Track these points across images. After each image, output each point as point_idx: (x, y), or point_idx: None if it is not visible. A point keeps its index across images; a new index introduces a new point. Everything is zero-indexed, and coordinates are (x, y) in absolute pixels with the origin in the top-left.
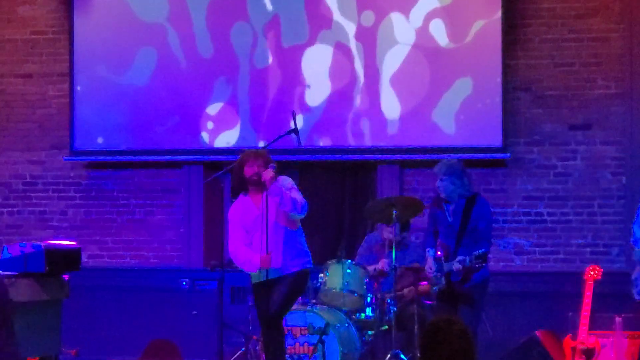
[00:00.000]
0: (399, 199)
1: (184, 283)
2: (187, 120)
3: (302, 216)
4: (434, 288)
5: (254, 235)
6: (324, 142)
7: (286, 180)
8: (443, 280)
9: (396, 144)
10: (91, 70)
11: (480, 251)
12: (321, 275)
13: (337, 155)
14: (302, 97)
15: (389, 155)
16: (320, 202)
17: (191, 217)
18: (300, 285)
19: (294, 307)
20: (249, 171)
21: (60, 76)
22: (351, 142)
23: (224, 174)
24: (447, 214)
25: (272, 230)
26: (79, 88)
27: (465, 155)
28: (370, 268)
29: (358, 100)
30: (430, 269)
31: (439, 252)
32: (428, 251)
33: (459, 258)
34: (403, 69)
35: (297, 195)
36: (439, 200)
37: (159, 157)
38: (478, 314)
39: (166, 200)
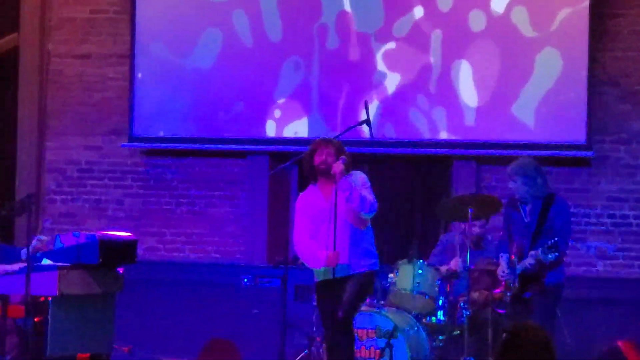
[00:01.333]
0: (475, 197)
1: (245, 280)
2: (253, 107)
3: (370, 216)
4: (507, 293)
5: (319, 228)
6: (396, 134)
7: (359, 176)
8: (516, 283)
9: (473, 138)
10: (153, 52)
11: (552, 241)
12: (391, 275)
13: (410, 149)
14: (375, 86)
15: (465, 150)
16: (391, 198)
17: (255, 211)
18: (368, 287)
19: (361, 308)
20: (317, 159)
21: (120, 58)
22: (426, 135)
23: (291, 166)
24: (523, 214)
25: (339, 227)
26: (139, 75)
27: (546, 152)
28: (443, 268)
29: (434, 91)
30: (503, 272)
31: (512, 257)
32: (501, 257)
33: (531, 252)
34: (482, 59)
35: (367, 194)
36: (514, 201)
37: (221, 146)
38: (551, 321)
39: (228, 192)
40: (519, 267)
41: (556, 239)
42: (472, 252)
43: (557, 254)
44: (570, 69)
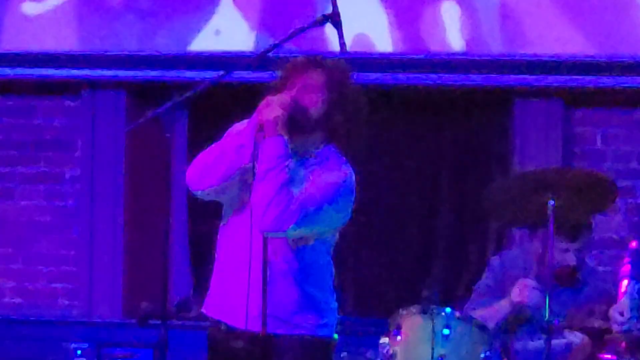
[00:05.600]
0: (563, 175)
1: (79, 352)
2: None
3: (292, 234)
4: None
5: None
6: (394, 46)
7: (331, 155)
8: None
9: (556, 55)
10: None
11: None
12: (385, 340)
13: (424, 77)
14: None
15: (537, 78)
16: (387, 180)
17: (98, 206)
18: None
19: None
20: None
21: None
22: (455, 47)
23: (174, 110)
24: None
25: (257, 232)
26: None
27: None
28: (492, 325)
29: None
30: (622, 315)
31: None
32: (631, 284)
33: None
34: None
35: (311, 188)
36: None
37: (24, 72)
38: None
39: (43, 167)
40: None
41: None
42: (560, 293)
43: None
44: None
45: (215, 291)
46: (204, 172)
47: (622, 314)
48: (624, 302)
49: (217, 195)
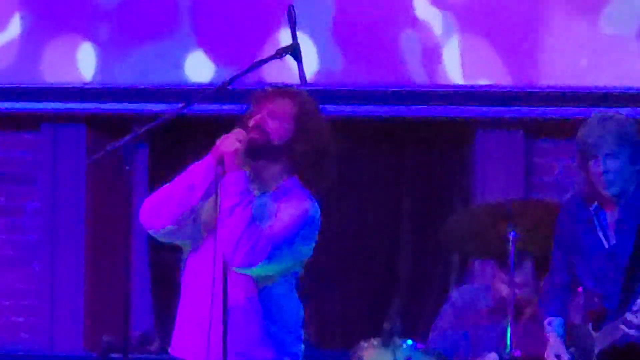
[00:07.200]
0: (524, 206)
1: None
2: (53, 19)
3: (264, 268)
4: None
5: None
6: (358, 78)
7: (292, 190)
8: None
9: (516, 85)
10: None
11: None
12: None
13: (386, 108)
14: None
15: (498, 109)
16: (348, 213)
17: (57, 239)
18: None
19: None
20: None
21: None
22: (418, 79)
23: (135, 143)
24: (601, 230)
25: (222, 269)
26: None
27: None
28: None
29: None
30: (557, 357)
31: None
32: (549, 323)
33: (635, 308)
34: None
35: (278, 222)
36: (582, 204)
37: None
38: None
39: (4, 200)
40: (600, 339)
41: None
42: (518, 326)
43: None
44: None
45: (178, 330)
46: (155, 211)
47: (557, 357)
48: (554, 343)
49: (172, 237)
